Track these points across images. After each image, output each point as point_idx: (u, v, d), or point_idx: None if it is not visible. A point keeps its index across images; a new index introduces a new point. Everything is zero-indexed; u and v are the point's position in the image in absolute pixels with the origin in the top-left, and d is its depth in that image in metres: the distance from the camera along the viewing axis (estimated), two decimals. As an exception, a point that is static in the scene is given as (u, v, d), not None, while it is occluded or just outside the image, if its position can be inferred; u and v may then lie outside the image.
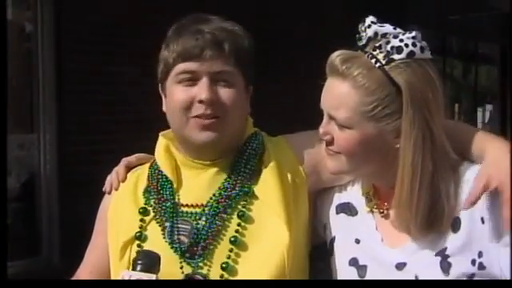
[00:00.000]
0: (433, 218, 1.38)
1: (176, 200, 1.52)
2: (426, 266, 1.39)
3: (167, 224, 1.49)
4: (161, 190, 1.54)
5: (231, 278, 1.44)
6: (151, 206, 1.54)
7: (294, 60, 6.59)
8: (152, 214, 1.53)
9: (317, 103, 1.45)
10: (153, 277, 1.31)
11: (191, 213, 1.50)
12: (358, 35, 1.42)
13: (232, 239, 1.45)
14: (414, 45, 1.37)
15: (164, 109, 1.56)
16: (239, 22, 1.55)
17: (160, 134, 1.61)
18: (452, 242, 1.38)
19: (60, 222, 4.80)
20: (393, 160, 1.39)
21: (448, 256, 1.38)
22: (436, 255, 1.39)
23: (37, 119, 4.79)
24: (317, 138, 1.47)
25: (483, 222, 1.35)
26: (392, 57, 1.36)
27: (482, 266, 1.35)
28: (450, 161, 1.41)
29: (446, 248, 1.38)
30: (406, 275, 1.41)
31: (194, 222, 1.48)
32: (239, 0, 5.51)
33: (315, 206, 1.59)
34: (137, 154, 1.71)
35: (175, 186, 1.53)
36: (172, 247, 1.47)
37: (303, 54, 6.34)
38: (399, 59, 1.36)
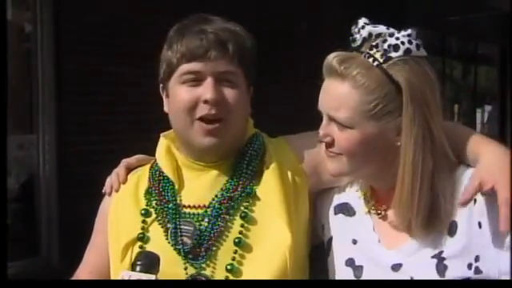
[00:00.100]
0: (433, 218, 1.38)
1: (178, 201, 1.52)
2: (421, 268, 1.39)
3: (170, 225, 1.49)
4: (162, 192, 1.54)
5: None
6: (153, 207, 1.54)
7: (294, 60, 6.60)
8: (154, 215, 1.53)
9: (317, 104, 1.45)
10: (152, 277, 1.32)
11: (193, 214, 1.50)
12: (351, 37, 1.42)
13: (236, 240, 1.45)
14: (409, 42, 1.38)
15: (166, 109, 1.56)
16: (239, 23, 1.55)
17: (161, 135, 1.61)
18: (448, 245, 1.38)
19: (59, 223, 4.80)
20: (392, 160, 1.40)
21: (444, 259, 1.38)
22: (432, 257, 1.39)
23: (36, 119, 4.79)
24: (317, 139, 1.47)
25: (480, 226, 1.35)
26: (389, 55, 1.37)
27: (478, 271, 1.35)
28: (448, 163, 1.41)
29: (442, 251, 1.38)
30: (401, 276, 1.41)
31: (197, 223, 1.48)
32: (239, 0, 5.51)
33: (315, 207, 1.60)
34: (137, 156, 1.71)
35: (177, 187, 1.53)
36: (175, 248, 1.47)
37: (303, 55, 6.34)
38: (396, 57, 1.37)
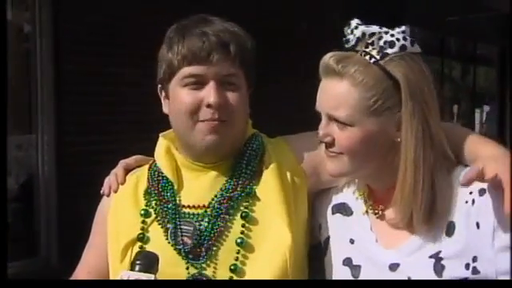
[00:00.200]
0: (433, 213, 1.38)
1: (177, 201, 1.52)
2: (419, 268, 1.40)
3: (170, 226, 1.49)
4: (162, 192, 1.54)
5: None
6: (152, 207, 1.53)
7: (294, 60, 6.60)
8: (153, 215, 1.53)
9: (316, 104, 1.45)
10: (151, 277, 1.31)
11: (193, 214, 1.50)
12: (344, 38, 1.43)
13: (238, 241, 1.46)
14: (404, 39, 1.39)
15: (165, 110, 1.56)
16: (239, 22, 1.54)
17: (160, 135, 1.61)
18: (446, 245, 1.38)
19: (58, 223, 4.80)
20: (391, 160, 1.40)
21: (442, 259, 1.38)
22: (430, 257, 1.39)
23: (35, 120, 4.79)
24: (316, 139, 1.47)
25: (478, 226, 1.35)
26: (386, 51, 1.38)
27: (476, 271, 1.35)
28: (446, 162, 1.41)
29: (440, 251, 1.38)
30: (398, 276, 1.41)
31: (197, 224, 1.48)
32: (238, 0, 5.52)
33: (313, 207, 1.60)
34: (135, 156, 1.70)
35: (176, 187, 1.53)
36: (175, 249, 1.47)
37: (303, 55, 6.34)
38: (393, 53, 1.38)
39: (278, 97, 6.12)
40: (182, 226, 1.48)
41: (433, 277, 1.37)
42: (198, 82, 1.46)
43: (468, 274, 1.35)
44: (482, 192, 1.36)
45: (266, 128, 1.65)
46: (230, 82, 1.48)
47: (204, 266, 1.46)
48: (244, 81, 1.51)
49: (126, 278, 1.31)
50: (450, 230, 1.38)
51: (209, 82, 1.46)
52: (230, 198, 1.49)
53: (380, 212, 1.48)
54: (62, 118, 4.81)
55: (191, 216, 1.49)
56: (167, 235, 1.49)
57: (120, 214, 1.57)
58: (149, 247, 1.48)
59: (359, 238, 1.50)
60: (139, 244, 1.50)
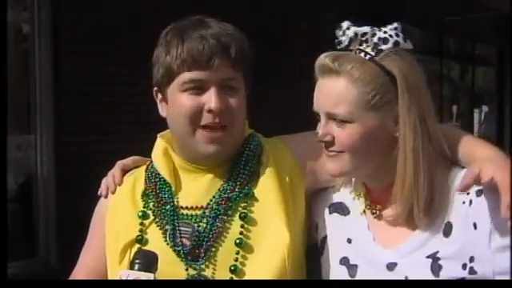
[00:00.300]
0: (432, 209, 1.39)
1: (175, 203, 1.51)
2: (416, 268, 1.40)
3: (168, 227, 1.49)
4: (159, 193, 1.54)
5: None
6: (150, 209, 1.53)
7: (293, 61, 6.59)
8: (151, 217, 1.52)
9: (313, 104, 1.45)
10: (151, 276, 1.31)
11: (191, 215, 1.50)
12: (336, 40, 1.45)
13: (237, 241, 1.45)
14: (397, 35, 1.41)
15: (162, 113, 1.54)
16: (237, 23, 1.54)
17: (158, 136, 1.60)
18: (443, 245, 1.39)
19: (57, 223, 4.79)
20: (390, 158, 1.41)
21: (439, 259, 1.38)
22: (427, 257, 1.39)
23: (34, 120, 4.78)
24: (314, 138, 1.47)
25: (476, 227, 1.36)
26: (380, 48, 1.40)
27: (473, 271, 1.35)
28: (444, 160, 1.42)
29: (437, 251, 1.39)
30: (396, 275, 1.41)
31: (195, 225, 1.48)
32: (238, 0, 5.51)
33: (310, 206, 1.60)
34: (132, 157, 1.70)
35: (174, 188, 1.53)
36: (174, 250, 1.47)
37: (302, 55, 6.34)
38: (387, 49, 1.40)
39: (275, 97, 6.11)
40: (181, 228, 1.48)
41: (430, 277, 1.38)
42: (199, 87, 1.45)
43: (465, 275, 1.36)
44: (479, 193, 1.36)
45: (264, 128, 1.65)
46: (230, 85, 1.47)
47: (203, 267, 1.46)
48: (243, 83, 1.51)
49: (125, 278, 1.31)
50: (447, 230, 1.39)
51: (209, 87, 1.45)
52: (229, 198, 1.49)
53: (377, 211, 1.48)
54: (60, 118, 4.81)
55: (190, 217, 1.49)
56: (166, 237, 1.48)
57: (118, 216, 1.57)
58: (147, 249, 1.48)
59: (356, 237, 1.50)
60: (138, 246, 1.50)
